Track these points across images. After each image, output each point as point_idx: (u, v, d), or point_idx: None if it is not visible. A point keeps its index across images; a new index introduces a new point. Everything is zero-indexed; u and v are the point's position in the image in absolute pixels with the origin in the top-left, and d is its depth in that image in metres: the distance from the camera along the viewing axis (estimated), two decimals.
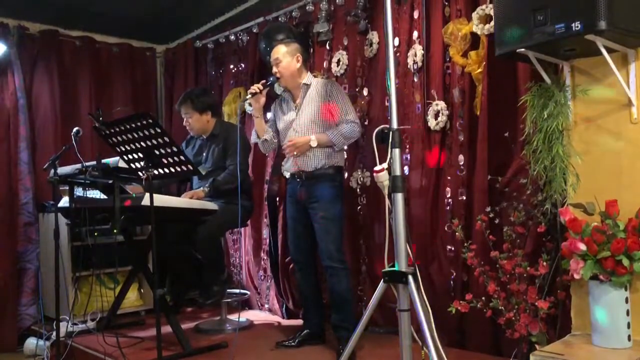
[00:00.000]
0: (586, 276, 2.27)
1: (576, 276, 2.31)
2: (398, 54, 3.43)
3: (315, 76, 3.50)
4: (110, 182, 3.28)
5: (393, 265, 2.14)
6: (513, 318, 2.55)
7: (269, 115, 3.54)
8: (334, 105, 3.23)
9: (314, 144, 3.17)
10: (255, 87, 3.28)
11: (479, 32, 3.03)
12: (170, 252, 3.63)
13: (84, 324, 3.86)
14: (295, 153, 3.21)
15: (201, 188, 3.76)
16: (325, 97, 3.24)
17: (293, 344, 3.38)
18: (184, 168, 3.07)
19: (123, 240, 3.88)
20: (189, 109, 3.91)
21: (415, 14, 3.37)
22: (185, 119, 3.98)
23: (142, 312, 4.41)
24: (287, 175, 3.42)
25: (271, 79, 3.34)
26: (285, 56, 3.30)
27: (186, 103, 3.92)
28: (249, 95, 3.28)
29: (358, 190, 3.71)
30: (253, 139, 3.48)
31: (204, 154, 3.96)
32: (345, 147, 3.45)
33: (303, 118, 3.28)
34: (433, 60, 3.30)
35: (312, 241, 3.31)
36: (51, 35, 4.59)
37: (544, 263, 2.54)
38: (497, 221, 2.86)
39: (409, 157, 3.40)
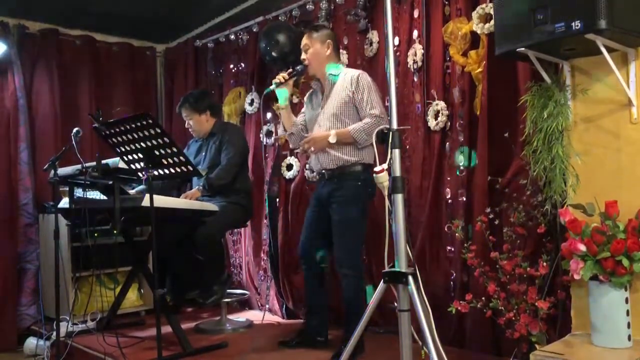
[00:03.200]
0: (586, 277, 2.26)
1: (576, 277, 2.30)
2: (398, 54, 3.43)
3: (346, 65, 3.30)
4: (110, 182, 3.28)
5: (393, 266, 2.14)
6: (513, 318, 2.55)
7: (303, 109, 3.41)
8: (357, 97, 3.03)
9: (332, 140, 2.98)
10: (280, 77, 3.14)
11: (479, 32, 3.03)
12: (171, 252, 3.63)
13: (84, 324, 3.86)
14: (312, 150, 3.05)
15: (196, 187, 3.76)
16: (350, 89, 3.04)
17: (293, 344, 3.37)
18: (184, 168, 3.07)
19: (123, 241, 3.87)
20: (188, 111, 3.95)
21: (415, 13, 3.37)
22: (186, 122, 4.00)
23: (142, 312, 4.41)
24: (309, 173, 3.29)
25: (298, 67, 3.20)
26: (314, 42, 3.13)
27: (184, 105, 3.96)
28: (273, 86, 3.15)
29: None
30: (280, 132, 3.37)
31: (203, 154, 3.97)
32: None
33: (327, 111, 3.12)
34: (433, 60, 3.30)
35: (323, 243, 3.19)
36: (51, 34, 4.59)
37: (544, 263, 2.54)
38: (497, 222, 2.86)
39: (409, 158, 3.40)
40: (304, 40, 3.19)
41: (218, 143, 3.88)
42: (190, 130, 4.04)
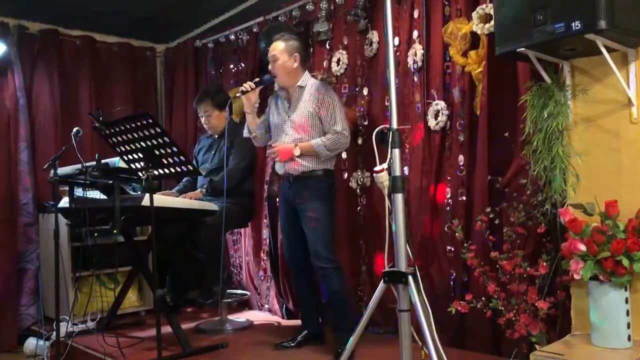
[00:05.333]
0: (586, 277, 2.26)
1: (576, 276, 2.30)
2: (398, 54, 3.43)
3: (314, 76, 3.47)
4: (110, 182, 3.28)
5: (393, 266, 2.14)
6: (513, 318, 2.55)
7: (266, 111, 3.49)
8: (322, 113, 3.16)
9: (296, 153, 3.13)
10: (246, 85, 3.23)
11: (479, 32, 3.03)
12: (171, 252, 3.63)
13: (84, 324, 3.86)
14: (278, 159, 3.19)
15: (199, 189, 3.77)
16: (315, 103, 3.17)
17: (292, 344, 3.37)
18: (184, 168, 3.07)
19: (123, 241, 3.87)
20: (209, 107, 3.93)
21: (415, 14, 3.37)
22: (204, 118, 3.98)
23: (142, 312, 4.41)
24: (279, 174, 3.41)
25: (266, 77, 3.28)
26: (282, 54, 3.21)
27: (206, 101, 3.94)
28: (239, 94, 3.24)
29: (358, 190, 3.70)
30: (245, 133, 3.47)
31: (213, 152, 3.97)
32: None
33: (294, 121, 3.22)
34: (433, 60, 3.29)
35: (304, 242, 3.26)
36: (51, 34, 4.59)
37: (544, 263, 2.54)
38: (497, 222, 2.86)
39: (409, 157, 3.40)
40: (272, 51, 3.25)
41: (229, 145, 3.88)
42: (206, 126, 4.02)
